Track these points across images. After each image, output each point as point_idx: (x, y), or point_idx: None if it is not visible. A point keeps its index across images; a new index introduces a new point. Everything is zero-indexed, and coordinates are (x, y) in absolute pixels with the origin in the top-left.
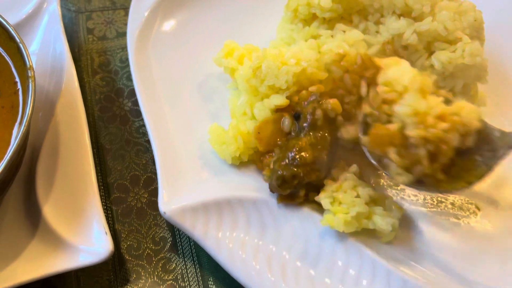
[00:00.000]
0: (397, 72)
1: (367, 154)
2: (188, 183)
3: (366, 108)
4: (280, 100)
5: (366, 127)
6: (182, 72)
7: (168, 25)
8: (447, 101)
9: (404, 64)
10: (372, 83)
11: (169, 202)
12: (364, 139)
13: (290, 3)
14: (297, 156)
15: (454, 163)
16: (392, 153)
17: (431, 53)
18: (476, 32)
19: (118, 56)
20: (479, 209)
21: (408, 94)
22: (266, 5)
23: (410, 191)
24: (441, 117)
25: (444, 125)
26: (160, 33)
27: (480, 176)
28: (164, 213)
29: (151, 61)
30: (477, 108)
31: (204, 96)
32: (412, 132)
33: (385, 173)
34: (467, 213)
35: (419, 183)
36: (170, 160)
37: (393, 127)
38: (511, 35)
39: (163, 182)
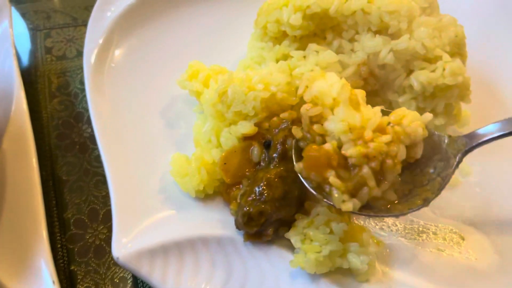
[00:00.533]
0: (323, 85)
1: (304, 182)
2: (146, 222)
3: (297, 132)
4: (247, 127)
5: (299, 153)
6: (145, 96)
7: (129, 44)
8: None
9: (331, 75)
10: None
11: (123, 246)
12: (298, 165)
13: (259, 20)
14: (265, 191)
15: (405, 180)
16: (331, 177)
17: (410, 72)
18: (458, 49)
19: (79, 77)
20: (463, 239)
21: (338, 107)
22: (236, 22)
23: (389, 220)
24: (380, 129)
25: (385, 138)
26: (120, 53)
27: (436, 191)
28: (118, 258)
29: (109, 84)
30: (418, 115)
31: (169, 121)
32: (350, 150)
33: (327, 202)
34: (451, 243)
35: (368, 208)
36: (127, 196)
37: (328, 146)
38: (495, 49)
39: (118, 222)
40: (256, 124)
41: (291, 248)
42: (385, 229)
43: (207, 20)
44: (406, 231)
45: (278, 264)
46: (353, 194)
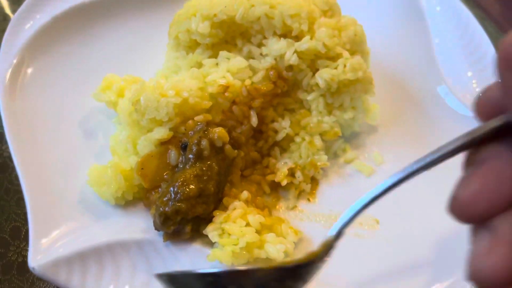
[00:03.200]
0: None
1: None
2: (65, 232)
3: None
4: (162, 133)
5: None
6: (62, 111)
7: (45, 62)
8: None
9: None
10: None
11: (40, 256)
12: None
13: (171, 30)
14: (179, 190)
15: None
16: None
17: (315, 71)
18: (358, 46)
19: None
20: (378, 223)
21: None
22: (154, 35)
23: (309, 212)
24: None
25: None
26: (36, 72)
27: None
28: (33, 268)
29: (25, 103)
30: None
31: (87, 134)
32: None
33: None
34: (366, 227)
35: None
36: (44, 208)
37: None
38: (398, 44)
39: (34, 233)
40: (171, 129)
41: (211, 244)
42: (304, 219)
43: (124, 35)
44: (325, 219)
45: (198, 260)
46: None
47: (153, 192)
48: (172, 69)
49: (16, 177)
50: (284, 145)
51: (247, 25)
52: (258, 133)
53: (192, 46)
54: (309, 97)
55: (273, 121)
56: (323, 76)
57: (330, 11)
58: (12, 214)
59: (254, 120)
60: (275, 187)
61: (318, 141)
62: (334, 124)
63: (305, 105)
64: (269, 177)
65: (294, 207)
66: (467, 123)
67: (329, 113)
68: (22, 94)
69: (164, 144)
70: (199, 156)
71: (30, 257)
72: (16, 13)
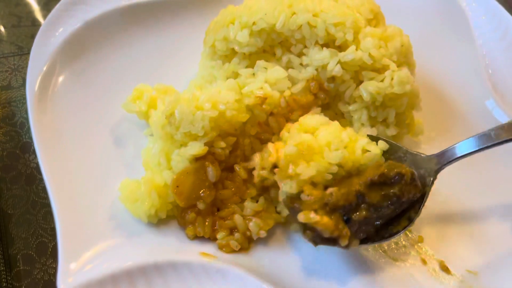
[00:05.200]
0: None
1: None
2: (95, 251)
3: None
4: (197, 148)
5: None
6: (91, 121)
7: (75, 70)
8: None
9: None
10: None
11: (70, 278)
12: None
13: (207, 39)
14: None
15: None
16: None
17: (359, 83)
18: (404, 58)
19: (25, 106)
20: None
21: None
22: (187, 42)
23: None
24: None
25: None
26: (66, 80)
27: (417, 210)
28: None
29: (54, 112)
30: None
31: (118, 145)
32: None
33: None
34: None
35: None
36: (74, 225)
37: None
38: (442, 56)
39: (64, 253)
40: (206, 144)
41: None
42: None
43: (156, 42)
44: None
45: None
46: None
47: (188, 211)
48: (207, 78)
49: (44, 189)
50: None
51: (287, 34)
52: None
53: (228, 55)
54: (352, 108)
55: None
56: (368, 88)
57: (375, 20)
58: (39, 229)
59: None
60: None
61: None
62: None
63: (346, 117)
64: None
65: None
66: None
67: (372, 127)
68: (52, 103)
69: (199, 160)
70: None
71: (59, 279)
72: (47, 19)
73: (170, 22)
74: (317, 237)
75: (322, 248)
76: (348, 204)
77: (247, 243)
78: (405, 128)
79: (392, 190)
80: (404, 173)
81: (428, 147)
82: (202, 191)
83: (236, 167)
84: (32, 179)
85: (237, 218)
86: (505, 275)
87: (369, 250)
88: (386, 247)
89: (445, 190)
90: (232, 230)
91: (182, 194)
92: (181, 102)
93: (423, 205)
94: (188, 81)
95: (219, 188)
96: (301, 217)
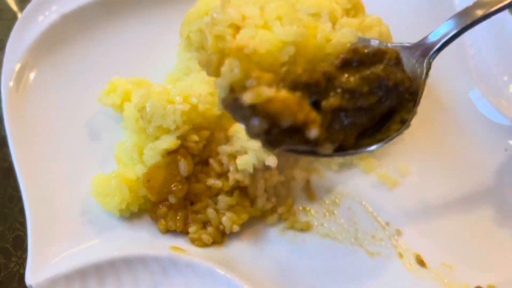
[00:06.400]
0: None
1: None
2: (65, 246)
3: None
4: (168, 142)
5: None
6: (67, 114)
7: (51, 64)
8: None
9: None
10: None
11: (38, 272)
12: None
13: (182, 30)
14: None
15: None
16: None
17: None
18: None
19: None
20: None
21: None
22: (165, 35)
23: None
24: None
25: None
26: (42, 74)
27: (411, 108)
28: (31, 286)
29: (29, 106)
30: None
31: (94, 139)
32: None
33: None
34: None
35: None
36: (45, 219)
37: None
38: None
39: (33, 248)
40: (179, 138)
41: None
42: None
43: (134, 34)
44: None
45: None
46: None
47: (160, 205)
48: (183, 71)
49: None
50: None
51: None
52: None
53: (203, 46)
54: None
55: None
56: None
57: (353, 10)
58: (16, 223)
59: None
60: None
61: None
62: None
63: None
64: None
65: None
66: (502, 132)
67: None
68: (26, 96)
69: (171, 153)
70: None
71: (28, 275)
72: (23, 12)
73: (149, 14)
74: (273, 132)
75: (297, 241)
76: (313, 82)
77: (220, 237)
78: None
79: (372, 70)
80: (385, 50)
81: (410, 140)
82: (173, 185)
83: (211, 161)
84: (9, 173)
85: (210, 212)
86: (480, 268)
87: (344, 243)
88: (362, 241)
89: (425, 183)
90: (205, 224)
91: (153, 189)
92: (152, 95)
93: (419, 102)
94: (165, 74)
95: (192, 182)
96: (248, 95)
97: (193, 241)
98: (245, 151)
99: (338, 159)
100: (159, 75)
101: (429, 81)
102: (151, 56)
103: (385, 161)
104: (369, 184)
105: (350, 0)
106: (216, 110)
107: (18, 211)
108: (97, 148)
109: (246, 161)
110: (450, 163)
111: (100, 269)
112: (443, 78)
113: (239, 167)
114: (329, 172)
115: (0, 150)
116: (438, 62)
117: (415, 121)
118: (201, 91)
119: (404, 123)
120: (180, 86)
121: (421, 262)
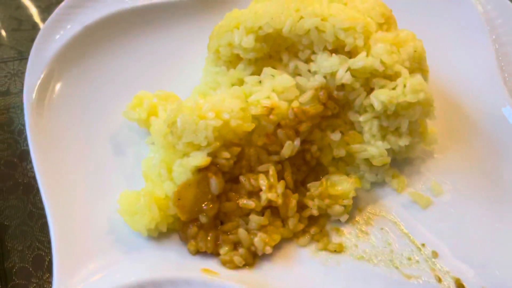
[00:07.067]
0: None
1: None
2: (92, 267)
3: None
4: (199, 159)
5: None
6: (91, 128)
7: (74, 76)
8: None
9: None
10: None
11: None
12: None
13: (211, 44)
14: None
15: None
16: None
17: (370, 90)
18: (418, 64)
19: (23, 113)
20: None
21: None
22: (190, 48)
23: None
24: None
25: None
26: (65, 86)
27: None
28: None
29: (52, 120)
30: None
31: (117, 155)
32: None
33: None
34: None
35: None
36: (70, 239)
37: None
38: (456, 62)
39: (59, 269)
40: (210, 154)
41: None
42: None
43: (158, 47)
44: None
45: None
46: None
47: (190, 225)
48: (210, 85)
49: (42, 200)
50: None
51: (294, 39)
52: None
53: (233, 60)
54: (362, 119)
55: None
56: (380, 97)
57: (386, 24)
58: (35, 242)
59: (296, 144)
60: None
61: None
62: (384, 151)
63: (356, 127)
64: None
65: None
66: None
67: (383, 137)
68: (49, 109)
69: (202, 171)
70: None
71: None
72: (46, 23)
73: (173, 26)
74: None
75: (331, 263)
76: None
77: (252, 258)
78: (418, 138)
79: None
80: None
81: (442, 157)
82: (204, 204)
83: (242, 179)
84: (30, 189)
85: (241, 233)
86: None
87: (379, 265)
88: (398, 263)
89: (460, 203)
90: (236, 245)
91: (184, 208)
92: (183, 110)
93: None
94: (191, 87)
95: (222, 201)
96: None
97: (224, 263)
98: None
99: (369, 178)
100: (185, 88)
101: (459, 97)
102: (176, 69)
103: (416, 179)
104: (402, 203)
105: (383, 14)
106: (248, 126)
107: (38, 229)
108: (122, 163)
109: None
110: (483, 181)
111: None
112: (474, 93)
113: None
114: (360, 191)
115: (20, 164)
116: (470, 78)
117: (444, 138)
118: (233, 106)
119: None
120: (211, 101)
121: (461, 287)
